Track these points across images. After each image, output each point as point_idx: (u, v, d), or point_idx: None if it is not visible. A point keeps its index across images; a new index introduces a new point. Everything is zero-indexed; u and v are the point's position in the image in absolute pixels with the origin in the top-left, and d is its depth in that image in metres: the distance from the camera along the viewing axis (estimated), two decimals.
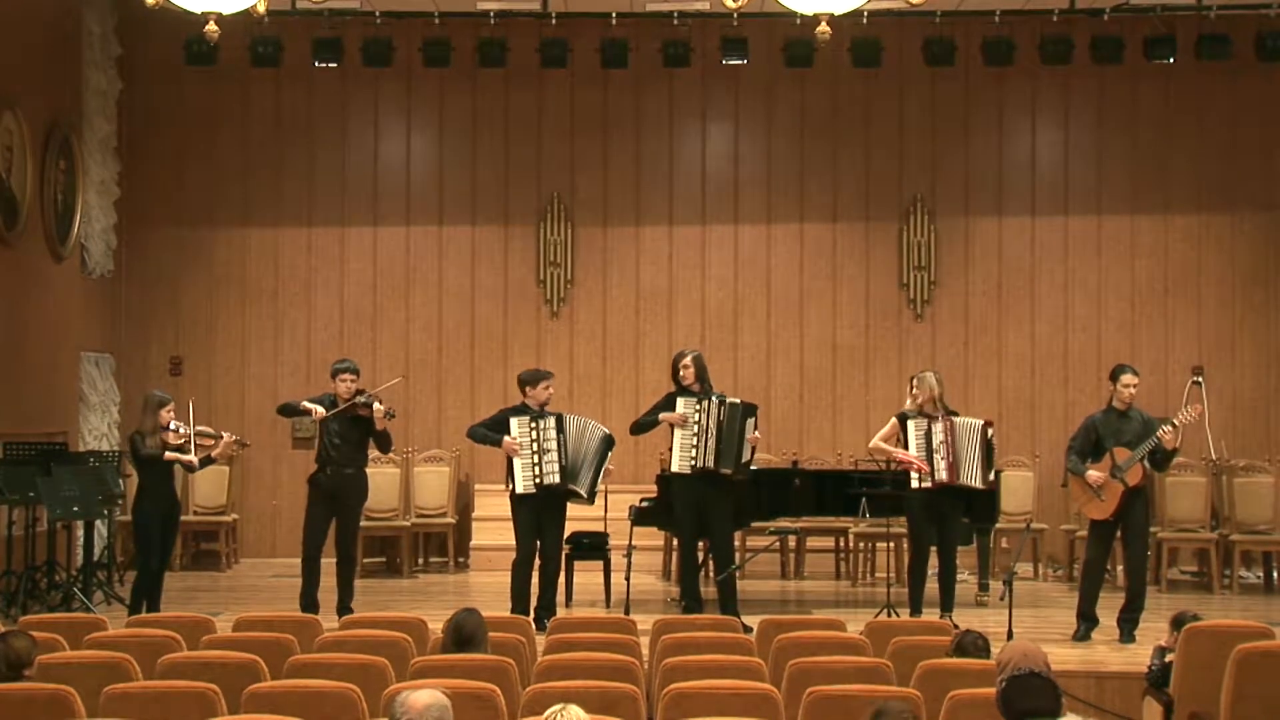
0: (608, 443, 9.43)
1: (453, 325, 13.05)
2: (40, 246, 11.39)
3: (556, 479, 9.24)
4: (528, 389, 9.39)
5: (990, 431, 9.26)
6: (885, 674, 5.89)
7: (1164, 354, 12.79)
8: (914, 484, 9.12)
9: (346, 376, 9.38)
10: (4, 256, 10.78)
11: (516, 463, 9.23)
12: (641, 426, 9.57)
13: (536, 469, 9.21)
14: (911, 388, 9.41)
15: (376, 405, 9.27)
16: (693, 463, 9.17)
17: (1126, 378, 8.95)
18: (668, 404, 9.42)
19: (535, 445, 9.22)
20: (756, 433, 9.37)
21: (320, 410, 9.27)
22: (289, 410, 9.56)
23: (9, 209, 10.87)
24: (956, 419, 9.25)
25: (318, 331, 13.01)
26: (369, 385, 9.86)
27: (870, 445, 9.57)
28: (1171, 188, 12.88)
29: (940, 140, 13.00)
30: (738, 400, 9.37)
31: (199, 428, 9.21)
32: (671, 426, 9.28)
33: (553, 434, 9.26)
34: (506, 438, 9.25)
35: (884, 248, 13.00)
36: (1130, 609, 8.93)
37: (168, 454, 8.99)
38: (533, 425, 9.26)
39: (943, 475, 9.10)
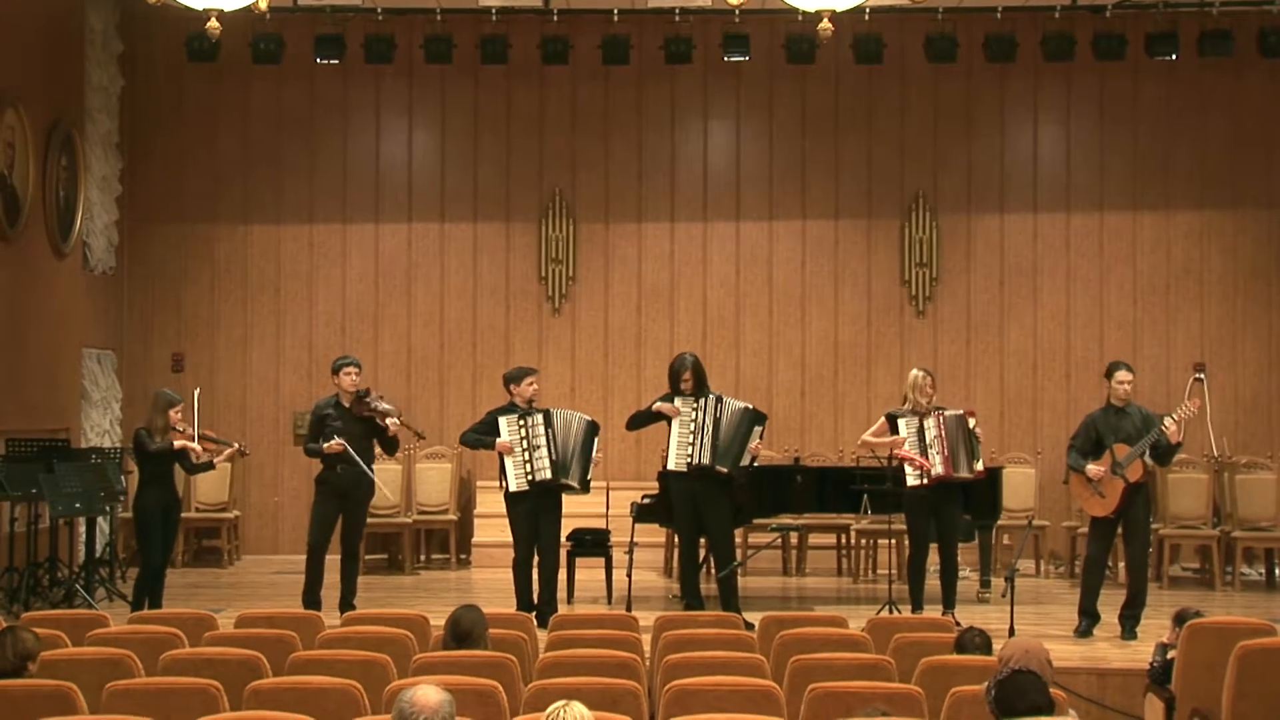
0: (593, 429, 9.41)
1: (455, 322, 13.05)
2: (42, 243, 11.38)
3: (548, 474, 9.22)
4: (512, 386, 9.40)
5: (972, 421, 9.24)
6: (887, 671, 5.89)
7: (1166, 351, 12.78)
8: (910, 480, 9.11)
9: (351, 370, 9.41)
10: (6, 253, 10.78)
11: (508, 461, 9.23)
12: (638, 421, 9.54)
13: (528, 465, 9.20)
14: (927, 384, 9.32)
15: (393, 421, 9.36)
16: (689, 460, 9.13)
17: (1121, 374, 8.96)
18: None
19: (525, 442, 9.22)
20: (760, 442, 9.34)
21: (338, 444, 9.20)
22: (314, 453, 9.43)
23: (11, 205, 10.87)
24: (946, 412, 9.25)
25: (319, 328, 13.01)
26: (372, 383, 9.84)
27: (860, 440, 9.61)
28: (1174, 184, 12.87)
29: (942, 137, 12.99)
30: (749, 405, 9.33)
31: (204, 431, 9.23)
32: (668, 423, 9.25)
33: (541, 429, 9.25)
34: (499, 440, 9.24)
35: (886, 244, 12.99)
36: (1132, 605, 8.93)
37: (178, 443, 8.99)
38: (521, 423, 9.25)
39: (939, 469, 9.10)
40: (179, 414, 9.07)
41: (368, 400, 9.34)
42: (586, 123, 13.05)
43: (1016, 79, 12.89)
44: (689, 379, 9.23)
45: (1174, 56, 12.34)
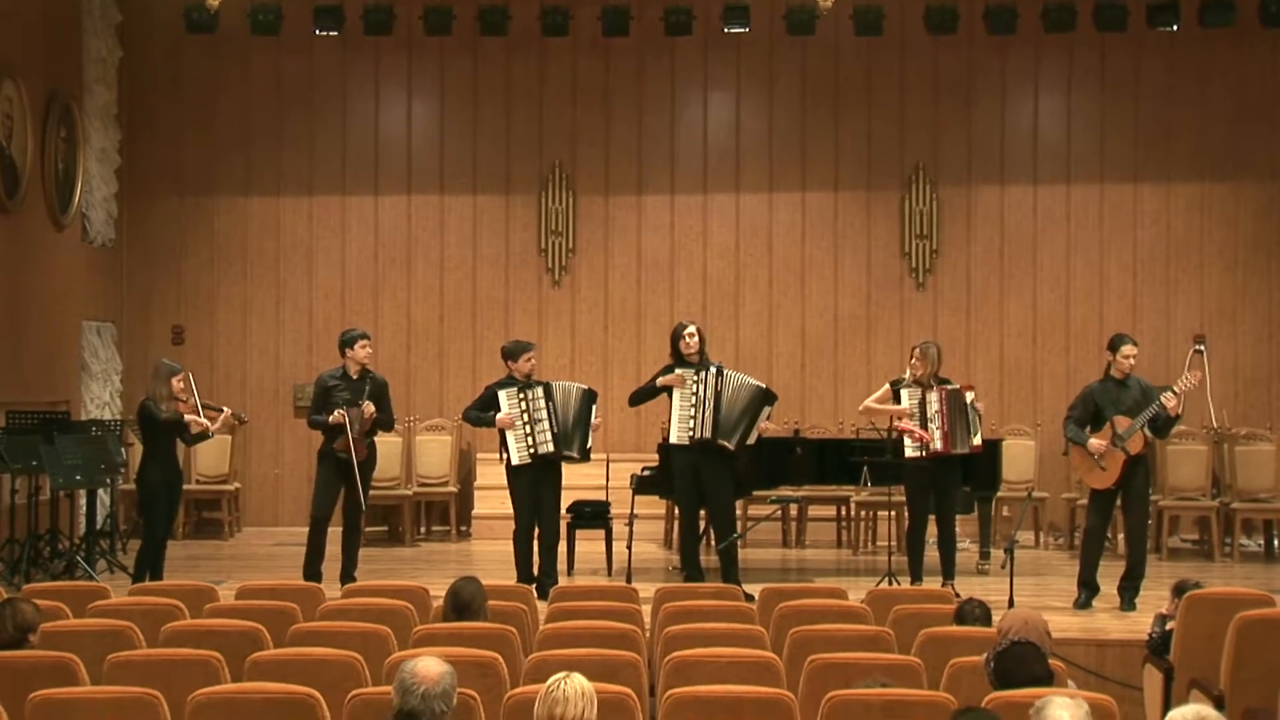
0: (590, 397, 9.41)
1: (454, 294, 13.02)
2: (41, 215, 11.36)
3: (551, 447, 9.22)
4: (510, 362, 9.39)
5: (970, 396, 9.21)
6: (886, 642, 5.92)
7: (1165, 322, 12.75)
8: (909, 452, 9.10)
9: (365, 343, 9.43)
10: (5, 225, 10.75)
11: (509, 434, 9.22)
12: (640, 396, 9.54)
13: (530, 439, 9.20)
14: (912, 357, 9.36)
15: (368, 406, 9.27)
16: (690, 433, 9.13)
17: (1127, 348, 8.92)
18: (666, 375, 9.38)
19: (526, 416, 9.21)
20: (768, 422, 9.35)
21: (341, 414, 9.18)
22: (318, 425, 9.40)
23: (10, 178, 10.84)
24: (949, 387, 9.23)
25: (319, 301, 12.98)
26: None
27: (861, 406, 9.58)
28: (1174, 155, 12.79)
29: (942, 108, 12.92)
30: (762, 384, 9.31)
31: (203, 401, 9.24)
32: (670, 397, 9.23)
33: (542, 403, 9.24)
34: (499, 415, 9.24)
35: (886, 216, 12.94)
36: (1131, 577, 8.93)
37: (188, 416, 9.01)
38: (521, 396, 9.24)
39: (937, 445, 9.08)
40: (181, 383, 9.07)
41: (359, 429, 9.24)
42: (586, 95, 12.98)
43: (1017, 50, 12.80)
44: (694, 333, 9.17)
45: (1175, 27, 12.22)
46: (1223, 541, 11.30)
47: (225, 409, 9.35)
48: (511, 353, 9.43)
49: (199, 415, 9.08)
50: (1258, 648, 5.98)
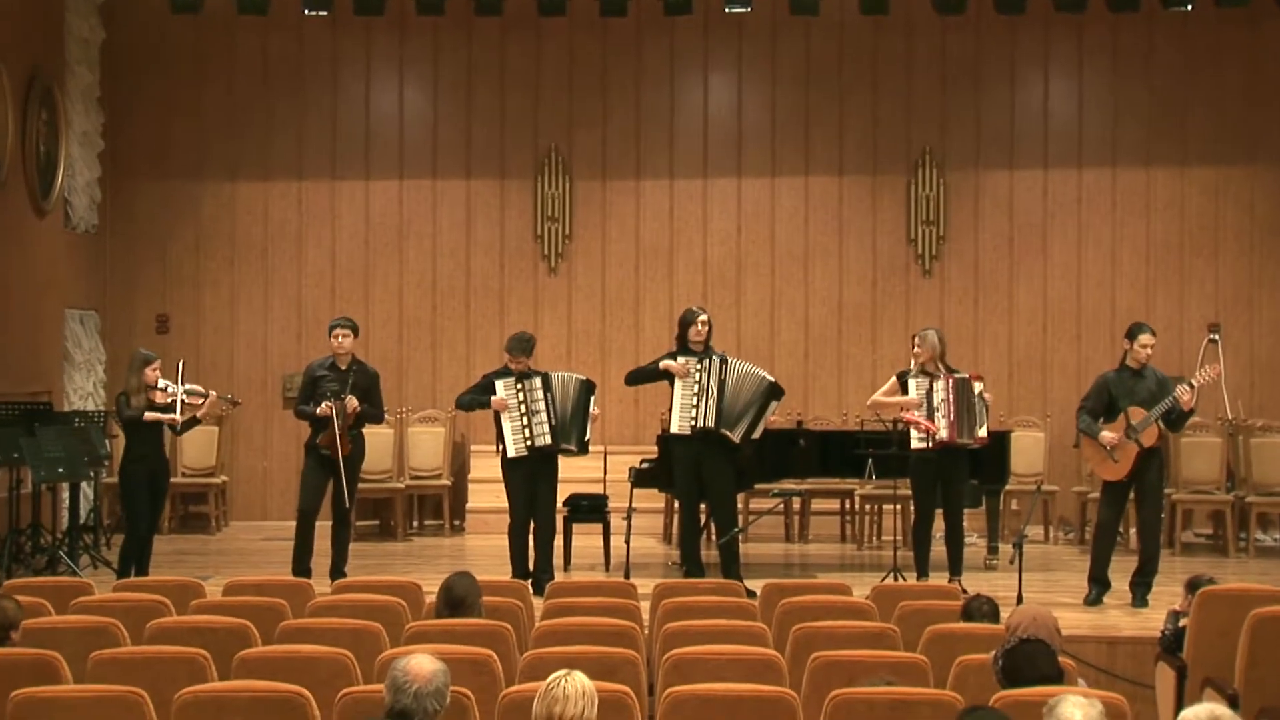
0: (588, 389, 9.27)
1: (448, 281, 12.79)
2: (22, 200, 11.19)
3: (548, 440, 9.10)
4: (507, 357, 9.24)
5: (979, 386, 9.04)
6: (892, 639, 5.90)
7: (1180, 310, 12.55)
8: (914, 444, 8.94)
9: (339, 332, 9.28)
10: None
11: (506, 425, 9.09)
12: (639, 376, 9.35)
13: (527, 430, 9.07)
14: (914, 345, 9.27)
15: (351, 400, 9.08)
16: (692, 423, 8.97)
17: (1144, 337, 8.79)
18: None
19: (523, 407, 9.06)
20: (773, 415, 9.23)
21: (328, 407, 9.00)
22: (305, 415, 9.28)
23: None
24: (957, 375, 9.05)
25: (309, 288, 12.76)
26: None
27: (870, 400, 9.41)
28: (1188, 139, 12.61)
29: (950, 91, 12.73)
30: (769, 377, 9.14)
31: (186, 386, 9.02)
32: (671, 385, 9.04)
33: (540, 394, 9.11)
34: (495, 397, 9.10)
35: (891, 202, 12.74)
36: (1143, 572, 8.85)
37: (147, 415, 8.80)
38: (519, 386, 9.09)
39: (943, 434, 8.92)
40: (157, 371, 8.91)
41: (343, 424, 9.02)
42: (583, 76, 12.77)
43: (1026, 31, 12.63)
44: (707, 322, 9.04)
45: (1189, 7, 12.09)
46: (1237, 536, 11.16)
47: (211, 393, 9.16)
48: (509, 347, 9.27)
49: (176, 404, 8.82)
50: (1273, 645, 5.94)
